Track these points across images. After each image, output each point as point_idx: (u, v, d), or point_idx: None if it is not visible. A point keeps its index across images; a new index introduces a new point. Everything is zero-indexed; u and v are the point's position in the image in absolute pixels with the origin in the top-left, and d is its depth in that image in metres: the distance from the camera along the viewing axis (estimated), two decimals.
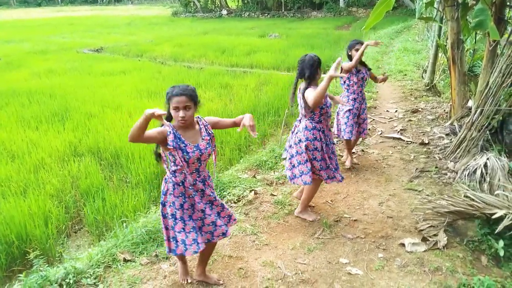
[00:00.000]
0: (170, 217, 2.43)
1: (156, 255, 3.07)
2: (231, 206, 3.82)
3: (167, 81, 9.24)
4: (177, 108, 2.25)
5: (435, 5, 6.69)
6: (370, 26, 4.86)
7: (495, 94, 4.27)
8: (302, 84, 3.28)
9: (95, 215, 3.84)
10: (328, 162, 3.38)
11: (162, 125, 2.24)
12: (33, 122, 6.39)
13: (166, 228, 2.50)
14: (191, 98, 2.27)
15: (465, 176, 4.02)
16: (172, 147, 2.27)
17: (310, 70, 3.19)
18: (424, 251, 3.07)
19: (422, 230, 3.29)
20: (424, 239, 3.18)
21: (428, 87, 8.03)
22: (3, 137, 5.68)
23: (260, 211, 3.74)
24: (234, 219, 2.70)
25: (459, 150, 4.57)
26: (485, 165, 3.91)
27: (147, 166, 4.63)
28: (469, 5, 5.20)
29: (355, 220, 3.56)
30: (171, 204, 2.41)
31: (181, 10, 37.57)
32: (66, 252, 3.47)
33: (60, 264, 3.08)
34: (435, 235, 3.19)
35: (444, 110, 6.41)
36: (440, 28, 7.90)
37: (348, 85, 4.40)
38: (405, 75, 9.48)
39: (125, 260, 3.01)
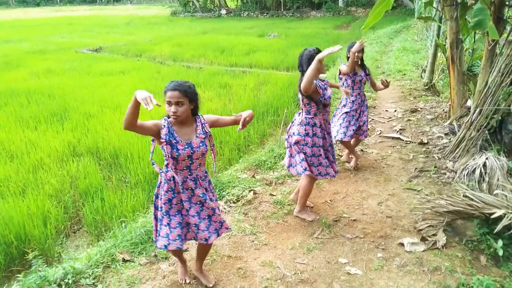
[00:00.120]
0: (159, 209, 2.46)
1: (155, 255, 3.06)
2: (230, 206, 3.81)
3: (166, 81, 9.05)
4: (169, 103, 2.25)
5: (434, 5, 6.70)
6: (369, 25, 4.85)
7: (494, 94, 4.27)
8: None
9: (94, 215, 3.84)
10: (320, 159, 3.37)
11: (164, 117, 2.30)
12: (32, 122, 6.38)
13: (156, 219, 2.52)
14: (185, 94, 2.24)
15: (464, 176, 4.02)
16: (163, 140, 2.27)
17: (308, 64, 3.19)
18: (423, 250, 3.07)
19: (421, 229, 3.29)
20: (423, 239, 3.18)
21: (427, 87, 8.03)
22: (1, 137, 5.67)
23: (259, 211, 3.74)
24: (227, 227, 2.58)
25: (458, 149, 4.57)
26: (484, 165, 3.90)
27: (146, 166, 4.63)
28: (468, 4, 5.21)
29: (354, 220, 3.56)
30: (161, 198, 2.43)
31: (180, 9, 37.57)
32: (65, 252, 3.47)
33: (59, 264, 3.07)
34: (434, 234, 3.19)
35: (443, 110, 6.41)
36: (439, 27, 7.91)
37: (345, 86, 4.40)
38: (404, 74, 9.49)
39: (124, 260, 3.00)
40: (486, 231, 3.04)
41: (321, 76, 3.35)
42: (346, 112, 4.43)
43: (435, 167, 4.49)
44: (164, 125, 2.29)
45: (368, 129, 4.59)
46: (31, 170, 4.75)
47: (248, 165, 4.77)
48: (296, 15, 31.83)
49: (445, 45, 6.34)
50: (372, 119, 6.37)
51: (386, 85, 4.35)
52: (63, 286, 2.70)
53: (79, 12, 45.45)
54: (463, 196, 3.29)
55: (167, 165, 2.39)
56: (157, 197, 2.48)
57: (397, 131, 5.78)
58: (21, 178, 4.50)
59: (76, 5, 61.53)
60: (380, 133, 5.76)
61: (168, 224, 2.43)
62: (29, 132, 5.91)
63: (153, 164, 2.37)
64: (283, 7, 33.31)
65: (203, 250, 2.69)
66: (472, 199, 3.14)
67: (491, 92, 4.30)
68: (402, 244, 3.15)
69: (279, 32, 19.33)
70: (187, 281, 2.76)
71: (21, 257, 3.37)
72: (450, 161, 4.54)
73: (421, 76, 8.88)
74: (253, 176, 4.47)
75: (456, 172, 4.22)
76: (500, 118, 4.36)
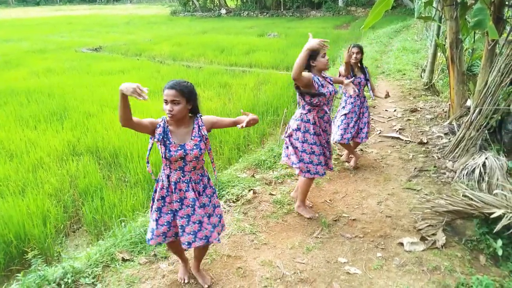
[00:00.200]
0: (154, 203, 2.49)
1: (155, 255, 3.06)
2: (230, 206, 3.82)
3: (166, 81, 9.03)
4: (166, 101, 2.24)
5: (434, 5, 6.70)
6: (369, 25, 4.86)
7: (494, 94, 4.27)
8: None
9: (94, 215, 3.84)
10: (312, 156, 3.36)
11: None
12: (31, 121, 6.38)
13: (151, 210, 2.53)
14: (182, 93, 2.22)
15: (463, 176, 4.03)
16: (157, 140, 2.27)
17: (307, 62, 3.25)
18: (423, 250, 3.07)
19: (420, 229, 3.29)
20: (423, 239, 3.18)
21: (427, 87, 8.03)
22: (1, 136, 5.67)
23: (259, 210, 3.74)
24: (216, 238, 2.48)
25: (457, 149, 4.57)
26: (484, 165, 3.91)
27: (145, 166, 4.61)
28: (468, 4, 5.21)
29: (353, 220, 3.56)
30: (156, 193, 2.45)
31: (180, 9, 37.54)
32: (64, 252, 3.47)
33: (58, 263, 3.07)
34: (433, 234, 3.19)
35: (443, 110, 6.41)
36: (439, 27, 7.90)
37: (344, 89, 4.39)
38: (404, 74, 9.49)
39: (124, 260, 3.00)
40: (486, 231, 3.05)
41: (349, 90, 3.57)
42: (344, 114, 4.43)
43: (434, 166, 4.49)
44: (160, 125, 2.30)
45: (369, 131, 4.56)
46: (31, 169, 4.75)
47: (247, 164, 4.77)
48: (296, 14, 31.81)
49: (444, 45, 6.34)
50: (372, 119, 6.37)
51: (386, 96, 4.36)
52: (63, 286, 2.70)
53: (79, 11, 45.43)
54: (462, 195, 3.29)
55: (165, 163, 2.40)
56: (155, 191, 2.49)
57: (397, 131, 5.78)
58: (20, 177, 4.50)
59: (75, 4, 61.48)
60: (379, 133, 5.76)
61: (157, 220, 2.44)
62: (29, 131, 5.90)
63: (147, 163, 2.38)
64: (283, 7, 33.29)
65: (199, 251, 2.66)
66: (471, 199, 3.14)
67: (490, 92, 4.30)
68: (401, 244, 3.16)
69: (279, 32, 19.32)
70: (186, 280, 2.76)
71: (20, 256, 3.37)
72: (449, 160, 4.54)
73: (421, 76, 8.89)
74: (253, 176, 4.47)
75: (455, 172, 4.23)
76: (499, 118, 4.36)
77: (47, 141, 5.49)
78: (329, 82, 3.35)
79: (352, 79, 4.09)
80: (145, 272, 2.88)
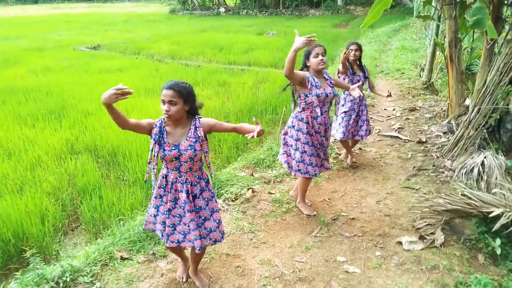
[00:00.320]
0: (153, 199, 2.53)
1: (153, 253, 3.06)
2: (229, 204, 3.81)
3: (165, 79, 9.20)
4: (163, 101, 2.24)
5: (433, 4, 6.69)
6: (368, 24, 4.85)
7: (493, 93, 4.27)
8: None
9: (92, 213, 3.83)
10: (304, 155, 3.35)
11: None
12: (29, 119, 6.36)
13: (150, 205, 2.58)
14: (179, 94, 2.22)
15: (462, 175, 4.03)
16: (153, 140, 2.29)
17: (304, 60, 3.32)
18: (421, 249, 3.07)
19: (419, 228, 3.29)
20: (421, 238, 3.19)
21: (425, 86, 8.04)
22: None
23: (257, 209, 3.73)
24: (211, 239, 2.49)
25: (456, 148, 4.57)
26: (482, 164, 3.91)
27: (144, 164, 4.62)
28: (467, 3, 5.20)
29: (352, 219, 3.56)
30: (155, 189, 2.49)
31: (178, 7, 37.49)
32: (63, 250, 3.46)
33: (56, 262, 3.07)
34: (432, 233, 3.19)
35: (442, 109, 6.42)
36: (438, 26, 7.91)
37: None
38: (403, 73, 9.49)
39: (122, 258, 3.00)
40: (484, 230, 3.05)
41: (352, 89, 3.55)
42: (344, 112, 4.43)
43: (433, 165, 4.50)
44: (156, 125, 2.31)
45: (370, 129, 4.56)
46: (29, 167, 4.73)
47: (246, 163, 4.77)
48: (294, 13, 31.80)
49: (443, 44, 6.34)
50: (371, 118, 6.36)
51: (388, 95, 4.36)
52: (61, 284, 2.69)
53: (77, 9, 45.32)
54: (461, 194, 3.30)
55: (162, 162, 2.43)
56: (154, 188, 2.51)
57: (396, 130, 5.78)
58: (18, 175, 4.49)
59: (74, 2, 61.29)
60: (378, 132, 5.76)
61: (154, 216, 2.54)
62: (27, 130, 5.88)
63: (149, 163, 2.39)
64: (282, 5, 33.27)
65: (195, 255, 2.64)
66: (470, 198, 3.14)
67: (489, 91, 4.30)
68: (400, 243, 3.16)
69: (278, 31, 19.31)
70: (185, 279, 2.75)
71: (18, 255, 3.36)
72: (448, 159, 4.55)
73: (420, 75, 8.89)
74: (252, 175, 4.47)
75: (454, 171, 4.23)
76: (498, 117, 4.36)
77: (45, 139, 5.47)
78: (328, 84, 3.31)
79: (357, 84, 3.96)
80: (143, 270, 2.88)
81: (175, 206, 2.43)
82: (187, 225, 2.41)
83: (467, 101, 5.19)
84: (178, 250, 2.70)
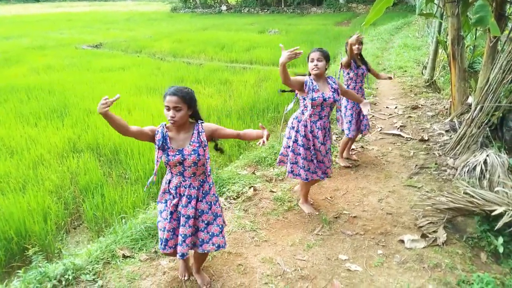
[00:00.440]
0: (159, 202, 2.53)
1: (155, 251, 3.06)
2: (230, 203, 3.81)
3: (166, 77, 9.22)
4: (168, 108, 2.26)
5: (436, 1, 6.66)
6: (370, 22, 4.83)
7: (495, 91, 4.25)
8: None
9: (94, 211, 3.84)
10: (298, 158, 3.34)
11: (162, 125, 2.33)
12: (31, 118, 6.37)
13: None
14: (184, 99, 2.25)
15: (464, 173, 4.02)
16: (157, 146, 2.30)
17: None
18: (424, 247, 3.06)
19: (421, 226, 3.29)
20: (424, 236, 3.18)
21: (428, 84, 8.02)
22: (2, 133, 5.66)
23: (259, 207, 3.74)
24: (214, 244, 2.46)
25: (458, 146, 4.56)
26: (485, 162, 3.90)
27: (146, 163, 4.62)
28: (470, 1, 5.18)
29: (354, 217, 3.56)
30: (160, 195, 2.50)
31: (180, 5, 37.49)
32: (65, 248, 3.47)
33: (59, 260, 3.07)
34: (434, 231, 3.19)
35: (444, 107, 6.40)
36: (440, 24, 7.87)
37: (347, 80, 4.40)
38: (405, 71, 9.46)
39: (124, 256, 3.01)
40: (487, 228, 3.04)
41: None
42: (349, 109, 4.42)
43: (435, 164, 4.48)
44: (158, 131, 2.32)
45: (368, 123, 4.57)
46: (31, 166, 4.75)
47: (248, 161, 4.77)
48: (296, 11, 31.75)
49: (446, 42, 6.32)
50: (373, 116, 6.36)
51: (390, 77, 4.54)
52: (63, 282, 2.70)
53: (79, 8, 45.39)
54: (463, 193, 3.29)
55: (166, 168, 2.43)
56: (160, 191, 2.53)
57: (398, 128, 5.77)
58: (21, 174, 4.50)
59: (75, 1, 61.27)
60: (380, 130, 5.75)
61: (162, 218, 2.52)
62: (29, 128, 5.90)
63: (155, 174, 2.41)
64: (284, 3, 33.21)
65: (198, 255, 2.65)
66: (472, 196, 3.13)
67: (492, 89, 4.28)
68: (402, 241, 3.15)
69: (280, 29, 19.28)
70: (186, 277, 2.76)
71: (21, 253, 3.38)
72: (450, 158, 4.53)
73: (422, 73, 8.86)
74: (253, 173, 4.47)
75: (456, 169, 4.22)
76: (501, 115, 4.34)
77: (48, 138, 5.49)
78: (330, 89, 3.23)
79: (368, 101, 3.83)
80: (145, 268, 2.88)
81: (177, 210, 2.43)
82: (187, 228, 2.40)
83: (470, 99, 5.17)
84: (175, 254, 2.68)
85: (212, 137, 2.47)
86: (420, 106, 6.77)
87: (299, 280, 2.77)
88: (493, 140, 4.40)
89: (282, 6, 33.08)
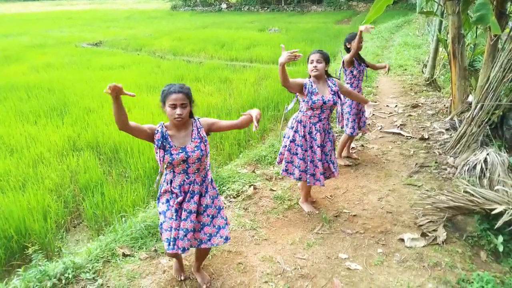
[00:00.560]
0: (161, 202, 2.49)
1: (155, 250, 3.06)
2: (230, 201, 3.81)
3: (166, 76, 9.20)
4: (174, 106, 2.24)
5: None
6: (370, 20, 4.83)
7: (496, 89, 4.25)
8: None
9: (94, 210, 3.84)
10: (294, 157, 3.34)
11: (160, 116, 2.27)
12: (31, 116, 6.37)
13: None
14: (188, 96, 2.28)
15: (464, 172, 4.02)
16: (156, 146, 2.28)
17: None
18: (423, 246, 3.06)
19: (421, 225, 3.29)
20: (424, 235, 3.18)
21: (428, 82, 8.00)
22: (1, 131, 5.66)
23: (259, 206, 3.73)
24: (222, 236, 2.47)
25: (459, 145, 4.56)
26: (485, 160, 3.90)
27: (146, 161, 4.62)
28: None
29: (354, 215, 3.55)
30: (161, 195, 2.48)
31: (180, 4, 37.43)
32: (65, 247, 3.47)
33: (59, 258, 3.08)
34: (434, 230, 3.19)
35: (444, 105, 6.39)
36: (440, 22, 7.86)
37: (351, 78, 4.39)
38: (405, 69, 9.45)
39: (124, 255, 3.01)
40: (487, 227, 3.04)
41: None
42: (349, 106, 4.41)
43: (435, 162, 4.48)
44: (158, 130, 2.30)
45: (368, 123, 4.58)
46: (31, 164, 4.74)
47: (248, 160, 4.77)
48: (296, 9, 31.71)
49: (446, 40, 6.31)
50: (373, 114, 6.35)
51: (385, 67, 4.54)
52: (63, 281, 2.70)
53: (79, 6, 45.31)
54: (463, 191, 3.29)
55: (167, 168, 2.39)
56: (161, 190, 2.50)
57: (398, 127, 5.76)
58: (21, 172, 4.50)
59: None
60: (380, 129, 5.74)
61: (161, 223, 2.47)
62: (29, 127, 5.89)
63: (160, 170, 2.39)
64: (284, 2, 33.17)
65: (200, 253, 2.65)
66: (472, 195, 3.13)
67: (492, 88, 4.28)
68: (402, 240, 3.15)
69: (280, 27, 19.25)
70: (181, 277, 2.75)
71: (21, 251, 3.38)
72: (451, 156, 4.53)
73: (422, 71, 8.85)
74: (253, 171, 4.47)
75: (456, 168, 4.22)
76: (501, 113, 4.34)
77: (48, 136, 5.48)
78: (330, 91, 3.21)
79: (373, 103, 3.86)
80: (145, 267, 2.88)
81: (181, 207, 2.41)
82: (189, 223, 2.39)
83: (470, 98, 5.16)
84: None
85: (210, 131, 2.47)
86: (420, 104, 6.76)
87: (299, 278, 2.77)
88: (493, 138, 4.40)
89: (282, 4, 33.03)
